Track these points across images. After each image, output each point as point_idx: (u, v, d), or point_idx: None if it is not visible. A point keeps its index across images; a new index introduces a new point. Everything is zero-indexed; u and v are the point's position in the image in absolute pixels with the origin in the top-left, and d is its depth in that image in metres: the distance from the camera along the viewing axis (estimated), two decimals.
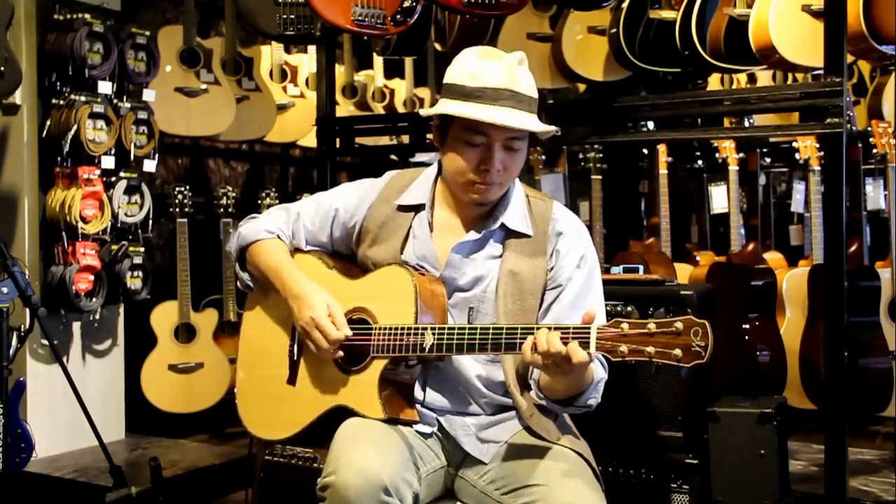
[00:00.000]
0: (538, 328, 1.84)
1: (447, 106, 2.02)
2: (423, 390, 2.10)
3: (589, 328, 1.79)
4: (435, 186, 2.19)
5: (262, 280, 2.24)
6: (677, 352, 1.71)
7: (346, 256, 2.28)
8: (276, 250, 2.22)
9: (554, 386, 1.97)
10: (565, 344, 1.79)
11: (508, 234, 2.12)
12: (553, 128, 2.04)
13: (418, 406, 2.08)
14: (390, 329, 2.01)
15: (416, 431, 2.04)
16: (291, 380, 2.18)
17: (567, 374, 1.84)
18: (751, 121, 4.43)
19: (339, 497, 1.83)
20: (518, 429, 2.10)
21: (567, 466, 1.97)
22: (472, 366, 2.09)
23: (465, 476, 2.07)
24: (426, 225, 2.15)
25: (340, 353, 2.06)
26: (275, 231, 2.24)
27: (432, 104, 2.15)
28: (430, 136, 2.20)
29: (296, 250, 2.26)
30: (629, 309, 2.65)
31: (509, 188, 2.14)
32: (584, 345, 1.78)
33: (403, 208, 2.18)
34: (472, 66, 2.02)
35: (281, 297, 2.16)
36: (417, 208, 2.17)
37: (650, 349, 1.73)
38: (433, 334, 1.96)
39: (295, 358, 2.19)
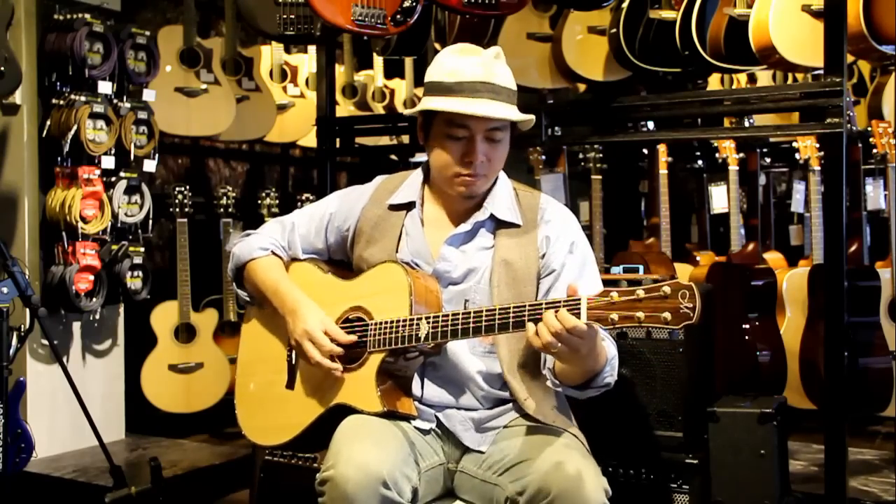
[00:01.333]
0: (529, 305, 1.86)
1: (428, 102, 2.08)
2: (422, 386, 2.12)
3: (579, 299, 1.80)
4: (424, 184, 2.23)
5: (259, 298, 2.28)
6: (666, 315, 1.71)
7: (343, 263, 2.30)
8: (271, 268, 2.25)
9: (570, 371, 1.97)
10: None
11: (498, 224, 2.15)
12: (531, 116, 2.09)
13: (417, 403, 2.09)
14: (385, 323, 2.03)
15: (416, 428, 2.06)
16: (290, 384, 2.19)
17: (577, 350, 1.83)
18: (751, 121, 4.42)
19: (339, 491, 1.84)
20: (514, 416, 2.12)
21: (556, 439, 1.99)
22: (469, 360, 2.11)
23: (465, 468, 2.08)
24: (418, 222, 2.18)
25: (336, 365, 2.06)
26: (268, 247, 2.27)
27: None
28: None
29: (292, 259, 2.30)
30: None
31: (496, 181, 2.18)
32: (576, 315, 1.79)
33: (394, 207, 2.21)
34: (450, 62, 2.08)
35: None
36: (408, 206, 2.21)
37: (640, 314, 1.74)
38: (428, 323, 1.97)
39: (293, 362, 2.20)
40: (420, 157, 4.66)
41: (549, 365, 2.04)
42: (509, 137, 2.12)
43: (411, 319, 2.00)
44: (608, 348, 2.01)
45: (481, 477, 2.04)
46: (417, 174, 2.25)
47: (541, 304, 1.86)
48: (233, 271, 2.32)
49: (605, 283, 2.21)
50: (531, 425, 2.07)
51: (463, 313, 1.95)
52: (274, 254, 2.28)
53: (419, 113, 2.13)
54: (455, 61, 2.07)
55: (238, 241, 2.32)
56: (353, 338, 2.07)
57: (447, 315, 1.97)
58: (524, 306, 1.87)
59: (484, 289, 2.11)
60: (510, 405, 2.13)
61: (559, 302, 1.83)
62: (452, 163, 2.08)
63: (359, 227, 2.23)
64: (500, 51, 2.09)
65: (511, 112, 2.05)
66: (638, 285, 1.77)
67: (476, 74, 2.04)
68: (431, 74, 2.11)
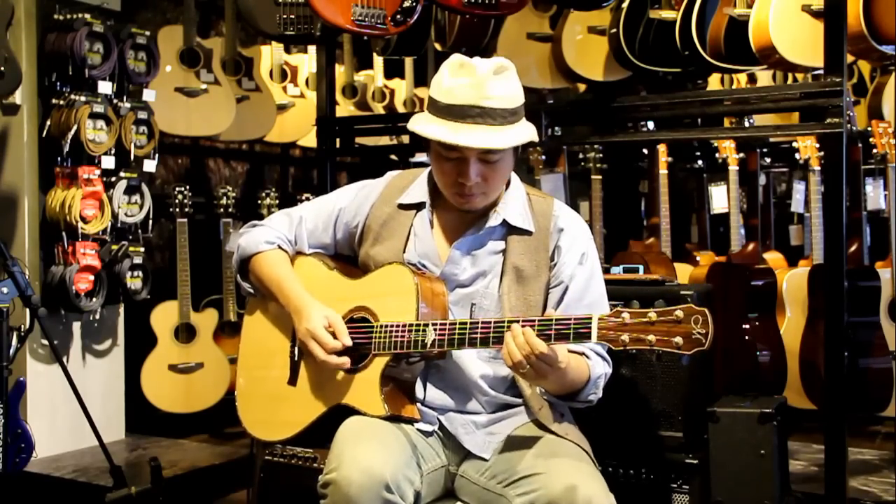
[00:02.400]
0: (539, 320, 1.86)
1: (420, 125, 2.02)
2: (424, 388, 2.11)
3: (590, 318, 1.80)
4: (435, 185, 2.19)
5: (263, 292, 2.26)
6: (678, 339, 1.71)
7: (349, 258, 2.29)
8: (276, 262, 2.23)
9: (546, 386, 2.00)
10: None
11: (510, 230, 2.13)
12: (527, 139, 2.01)
13: (419, 405, 2.09)
14: (391, 326, 2.02)
15: (418, 430, 2.05)
16: (292, 380, 2.19)
17: (543, 374, 1.86)
18: (751, 121, 4.42)
19: (341, 493, 1.83)
20: (518, 424, 2.11)
21: (566, 453, 1.98)
22: (474, 364, 2.10)
23: (466, 474, 2.07)
24: (427, 223, 2.16)
25: (344, 360, 2.05)
26: (275, 241, 2.25)
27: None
28: None
29: (298, 254, 2.28)
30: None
31: (509, 185, 2.15)
32: (586, 335, 1.79)
33: (404, 207, 2.19)
34: (446, 80, 2.01)
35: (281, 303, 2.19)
36: (418, 207, 2.19)
37: (651, 337, 1.73)
38: (434, 330, 1.96)
39: (296, 359, 2.19)
40: (420, 157, 4.66)
41: None
42: (510, 154, 2.06)
43: (418, 325, 1.99)
44: (594, 367, 2.01)
45: (484, 485, 2.02)
46: (428, 174, 2.22)
47: (551, 319, 1.85)
48: (237, 263, 2.29)
49: (605, 283, 2.21)
50: (540, 435, 2.05)
51: (471, 322, 1.94)
52: (280, 248, 2.25)
53: None
54: (450, 80, 2.00)
55: (244, 231, 2.30)
56: (351, 343, 2.06)
57: (454, 323, 1.96)
58: (534, 320, 1.86)
59: (492, 294, 2.10)
60: (514, 410, 2.12)
61: (570, 319, 1.83)
62: (448, 181, 2.06)
63: (367, 225, 2.22)
64: (502, 64, 1.99)
65: (499, 138, 1.96)
66: (650, 306, 1.77)
67: (467, 98, 1.96)
68: (432, 88, 2.05)
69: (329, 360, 2.04)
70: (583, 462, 1.97)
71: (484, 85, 1.97)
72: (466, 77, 1.98)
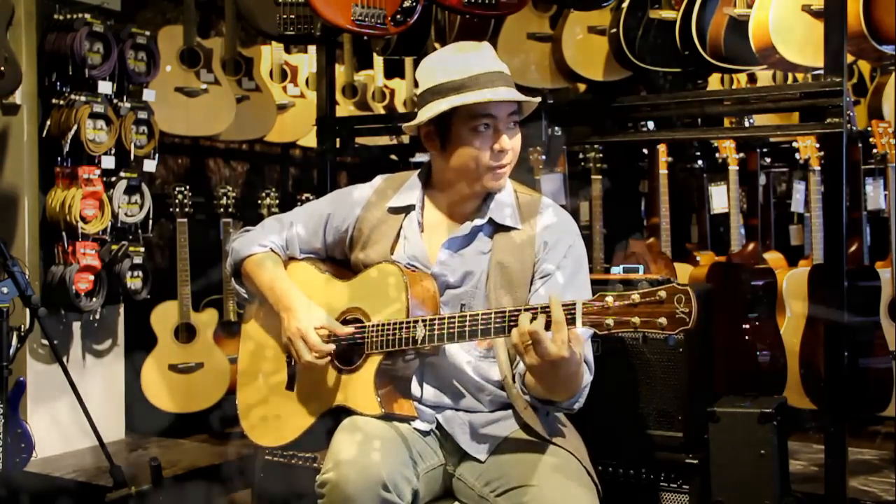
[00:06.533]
0: (525, 309, 1.85)
1: (452, 100, 2.01)
2: (421, 387, 2.11)
3: (574, 304, 1.79)
4: (424, 187, 2.21)
5: (256, 294, 2.27)
6: (662, 320, 1.70)
7: (341, 261, 2.30)
8: (268, 264, 2.24)
9: (538, 388, 1.96)
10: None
11: (497, 228, 2.13)
12: (537, 99, 2.11)
13: (416, 404, 2.09)
14: (382, 325, 2.03)
15: (415, 429, 2.05)
16: (290, 385, 2.20)
17: (549, 363, 1.80)
18: (751, 121, 4.42)
19: (338, 493, 1.83)
20: (515, 427, 2.10)
21: (560, 466, 1.97)
22: (468, 362, 2.10)
23: (462, 477, 2.07)
24: (416, 225, 2.17)
25: (326, 360, 2.06)
26: (267, 245, 2.27)
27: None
28: None
29: (290, 258, 2.29)
30: None
31: None
32: (571, 321, 1.78)
33: (394, 210, 2.20)
34: (454, 61, 2.06)
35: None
36: (407, 210, 2.19)
37: (635, 319, 1.73)
38: (424, 326, 1.97)
39: (292, 363, 2.20)
40: (420, 157, 4.66)
41: (520, 371, 2.03)
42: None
43: (407, 322, 1.99)
44: (585, 377, 1.98)
45: (479, 491, 2.02)
46: (418, 176, 2.23)
47: (536, 307, 1.84)
48: (231, 267, 2.32)
49: (604, 283, 2.21)
50: (531, 440, 2.05)
51: (459, 316, 1.94)
52: (272, 251, 2.27)
53: (431, 121, 2.06)
54: (459, 59, 2.06)
55: (237, 236, 2.32)
56: (350, 329, 2.07)
57: (443, 318, 1.96)
58: (519, 310, 1.86)
59: (480, 293, 2.10)
60: (510, 411, 2.12)
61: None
62: (483, 158, 2.05)
63: (357, 229, 2.23)
64: (488, 44, 2.13)
65: (527, 95, 2.08)
66: (633, 289, 1.76)
67: (489, 66, 2.04)
68: (435, 78, 2.05)
69: (314, 361, 2.06)
70: (575, 474, 1.96)
71: (493, 55, 2.09)
72: (476, 51, 2.08)
